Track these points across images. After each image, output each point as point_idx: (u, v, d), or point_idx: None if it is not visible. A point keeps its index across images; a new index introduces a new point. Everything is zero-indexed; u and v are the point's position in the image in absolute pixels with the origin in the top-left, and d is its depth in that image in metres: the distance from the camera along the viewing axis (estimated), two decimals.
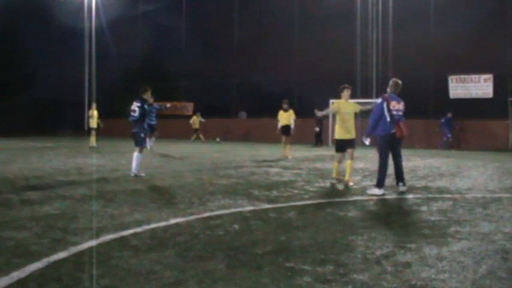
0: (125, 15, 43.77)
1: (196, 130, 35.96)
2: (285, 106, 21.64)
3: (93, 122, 27.53)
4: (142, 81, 43.32)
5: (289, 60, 36.99)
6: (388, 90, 11.43)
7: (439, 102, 30.99)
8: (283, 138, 21.56)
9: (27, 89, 48.62)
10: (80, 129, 42.88)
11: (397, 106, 11.14)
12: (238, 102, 40.14)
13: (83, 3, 43.55)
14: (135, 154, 13.65)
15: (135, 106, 13.62)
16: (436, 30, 31.69)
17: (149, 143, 22.99)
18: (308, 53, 35.86)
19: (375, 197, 10.49)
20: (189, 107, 41.15)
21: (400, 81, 11.41)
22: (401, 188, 11.25)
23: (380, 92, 32.02)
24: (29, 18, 46.51)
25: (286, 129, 21.56)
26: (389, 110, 10.99)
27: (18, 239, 6.64)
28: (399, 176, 11.36)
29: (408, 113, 11.74)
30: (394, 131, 10.99)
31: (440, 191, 11.52)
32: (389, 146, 11.15)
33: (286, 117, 21.63)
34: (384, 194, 10.79)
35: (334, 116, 14.41)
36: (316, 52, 34.87)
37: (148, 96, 14.05)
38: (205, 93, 40.29)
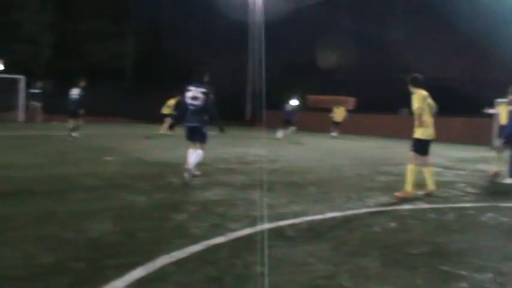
0: (285, 8, 44.16)
1: (337, 124, 32.61)
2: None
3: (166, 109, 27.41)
4: (300, 75, 43.82)
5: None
6: None
7: None
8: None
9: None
10: (241, 120, 44.01)
11: None
12: (399, 98, 39.18)
13: None
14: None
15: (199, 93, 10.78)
16: None
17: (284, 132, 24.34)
18: None
19: None
20: (350, 101, 40.84)
21: None
22: None
23: None
24: (193, 10, 48.14)
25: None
26: None
27: (180, 221, 6.97)
28: None
29: None
30: None
31: None
32: None
33: None
34: None
35: None
36: None
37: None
38: (363, 88, 39.74)
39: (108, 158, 14.48)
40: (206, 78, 10.98)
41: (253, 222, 7.02)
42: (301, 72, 45.02)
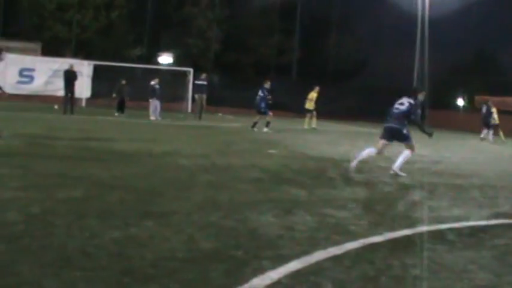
0: (460, 3, 42.63)
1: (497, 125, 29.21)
2: None
3: (310, 104, 27.58)
4: (473, 74, 42.15)
5: None
6: None
7: None
8: None
9: (358, 75, 50.39)
10: None
11: None
12: None
13: None
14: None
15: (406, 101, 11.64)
16: None
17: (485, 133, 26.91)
18: None
19: None
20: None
21: None
22: None
23: None
24: (359, 7, 47.86)
25: None
26: None
27: (338, 217, 6.97)
28: None
29: None
30: None
31: None
32: None
33: None
34: None
35: None
36: None
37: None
38: None
39: (272, 151, 14.80)
40: (416, 96, 11.96)
41: (412, 223, 6.88)
42: (470, 72, 43.28)
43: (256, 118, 22.91)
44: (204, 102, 30.32)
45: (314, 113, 27.47)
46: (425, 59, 40.83)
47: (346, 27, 48.94)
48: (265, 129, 22.13)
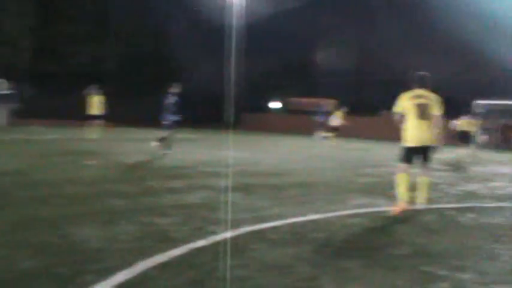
0: (267, 11, 44.21)
1: (335, 129, 29.45)
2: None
3: (93, 109, 24.46)
4: (284, 78, 43.96)
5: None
6: None
7: None
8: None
9: (172, 82, 50.49)
10: (219, 123, 44.04)
11: None
12: (381, 100, 39.40)
13: None
14: None
15: None
16: None
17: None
18: None
19: None
20: (327, 104, 40.88)
21: None
22: None
23: None
24: (174, 14, 48.10)
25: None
26: None
27: (162, 225, 6.95)
28: None
29: None
30: None
31: None
32: None
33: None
34: None
35: None
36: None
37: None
38: (349, 90, 39.91)
39: (89, 162, 14.40)
40: None
41: (235, 225, 7.01)
42: (282, 77, 45.04)
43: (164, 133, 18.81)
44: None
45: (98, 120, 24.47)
46: (231, 65, 41.87)
47: (162, 33, 48.91)
48: (153, 144, 18.73)
